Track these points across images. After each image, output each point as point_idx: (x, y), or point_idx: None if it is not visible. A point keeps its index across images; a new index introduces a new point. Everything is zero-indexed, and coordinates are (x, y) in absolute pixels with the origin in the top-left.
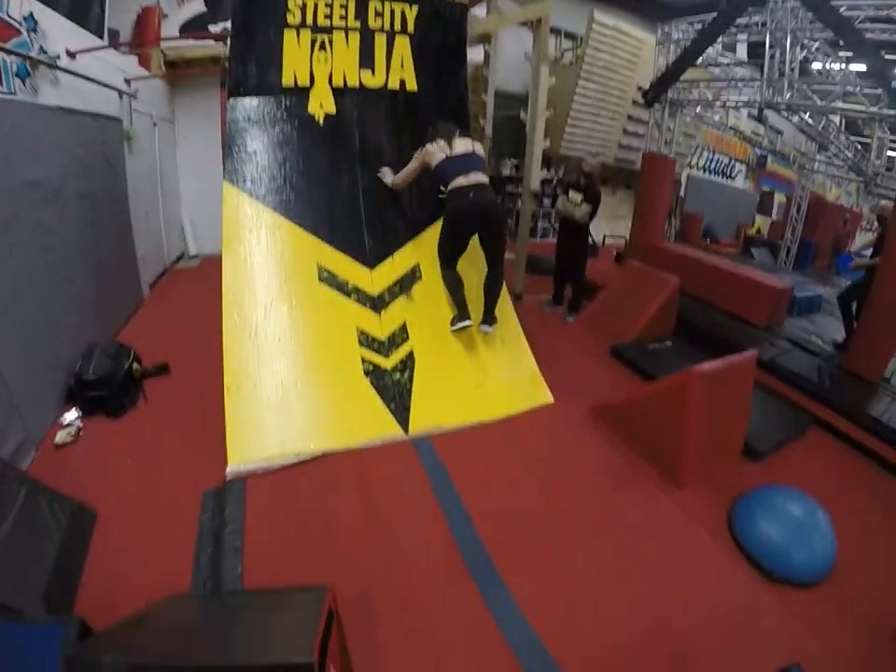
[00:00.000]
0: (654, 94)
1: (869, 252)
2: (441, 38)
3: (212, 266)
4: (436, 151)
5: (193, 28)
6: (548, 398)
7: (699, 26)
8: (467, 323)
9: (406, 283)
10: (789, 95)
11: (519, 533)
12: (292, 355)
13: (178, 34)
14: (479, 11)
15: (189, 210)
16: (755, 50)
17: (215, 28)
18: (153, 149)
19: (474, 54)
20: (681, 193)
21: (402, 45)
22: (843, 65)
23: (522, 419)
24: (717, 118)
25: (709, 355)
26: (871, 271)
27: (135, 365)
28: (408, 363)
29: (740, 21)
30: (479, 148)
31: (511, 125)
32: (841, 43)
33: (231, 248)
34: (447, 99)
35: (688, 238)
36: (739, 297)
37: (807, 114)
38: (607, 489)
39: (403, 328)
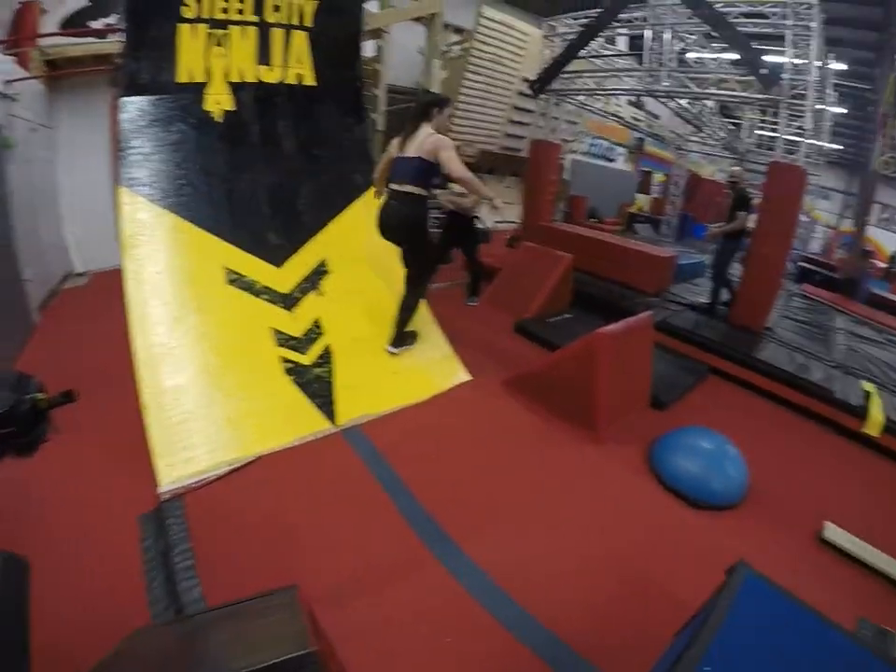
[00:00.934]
0: (541, 85)
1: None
2: (339, 32)
3: (105, 282)
4: (391, 148)
5: (76, 24)
6: (465, 375)
7: (584, 20)
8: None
9: (315, 279)
10: (667, 83)
11: (462, 500)
12: (208, 362)
13: (59, 30)
14: (370, 6)
15: (74, 223)
16: (635, 42)
17: (99, 23)
18: (34, 158)
19: (366, 49)
20: (566, 177)
21: (300, 39)
22: (717, 55)
23: (443, 398)
24: (599, 105)
25: (608, 322)
26: (729, 236)
27: (40, 395)
28: (326, 357)
29: (622, 15)
30: (428, 148)
31: (404, 120)
32: (714, 34)
33: (132, 257)
34: (345, 93)
35: (575, 219)
36: (629, 268)
37: (685, 100)
38: (534, 449)
39: (317, 323)
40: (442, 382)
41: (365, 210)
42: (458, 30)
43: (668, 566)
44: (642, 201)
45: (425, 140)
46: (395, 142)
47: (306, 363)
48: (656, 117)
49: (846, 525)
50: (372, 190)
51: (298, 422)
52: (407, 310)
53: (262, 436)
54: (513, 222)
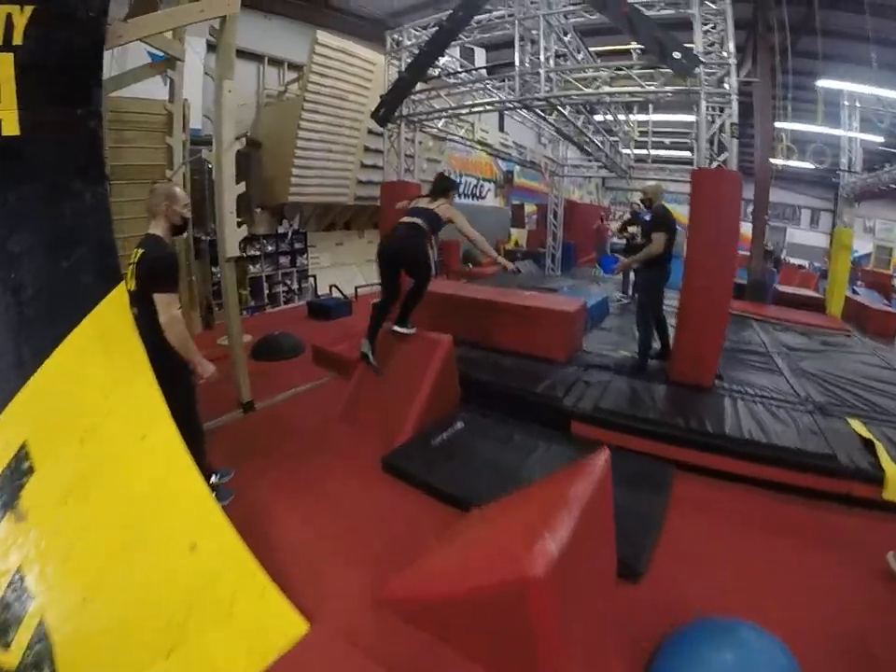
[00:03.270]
0: (387, 110)
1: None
2: (66, 51)
3: None
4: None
5: None
6: (299, 626)
7: (434, 29)
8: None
9: (8, 486)
10: (547, 88)
11: None
12: None
13: None
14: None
15: None
16: (496, 54)
17: None
18: None
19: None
20: None
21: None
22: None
23: None
24: (462, 132)
25: (511, 416)
26: (648, 264)
27: None
28: (42, 656)
29: (479, 17)
30: (443, 211)
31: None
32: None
33: None
34: (69, 143)
35: (449, 266)
36: (530, 333)
37: (567, 109)
38: None
39: (20, 577)
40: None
41: (106, 330)
42: (296, 67)
43: None
44: (518, 235)
45: (441, 205)
46: (403, 203)
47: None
48: (521, 147)
49: None
50: (121, 293)
51: None
52: (417, 297)
53: None
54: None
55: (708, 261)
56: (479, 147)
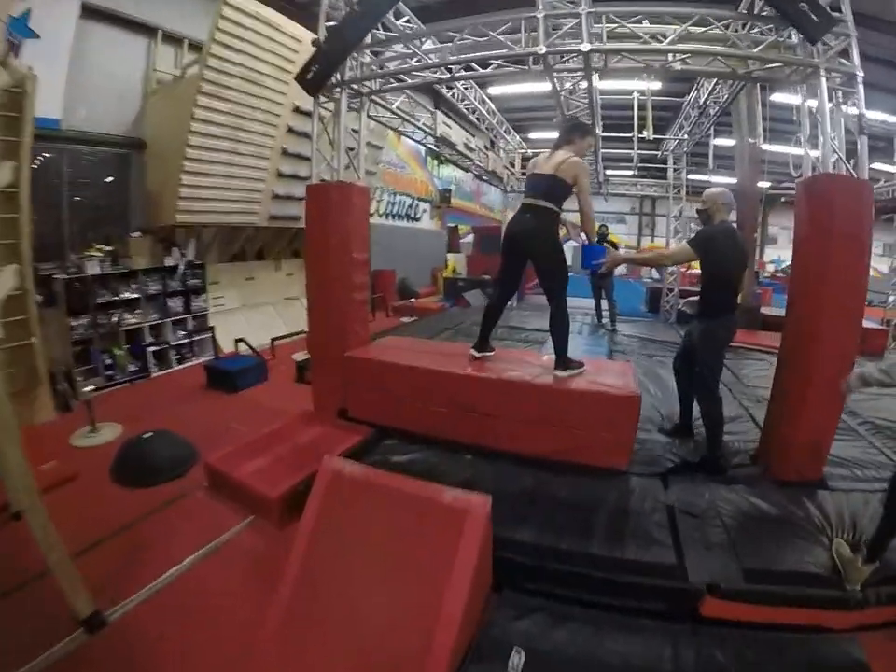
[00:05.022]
0: (321, 72)
1: None
2: None
3: None
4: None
5: None
6: None
7: None
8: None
9: None
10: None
11: None
12: None
13: None
14: None
15: None
16: None
17: None
18: None
19: None
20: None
21: None
22: None
23: None
24: (422, 121)
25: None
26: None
27: None
28: None
29: None
30: (566, 168)
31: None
32: None
33: None
34: None
35: (385, 301)
36: (567, 431)
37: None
38: None
39: None
40: None
41: None
42: (198, 46)
43: None
44: (455, 261)
45: (564, 160)
46: (533, 160)
47: None
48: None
49: None
50: None
51: None
52: (561, 328)
53: None
54: (301, 334)
55: (841, 304)
56: (443, 147)
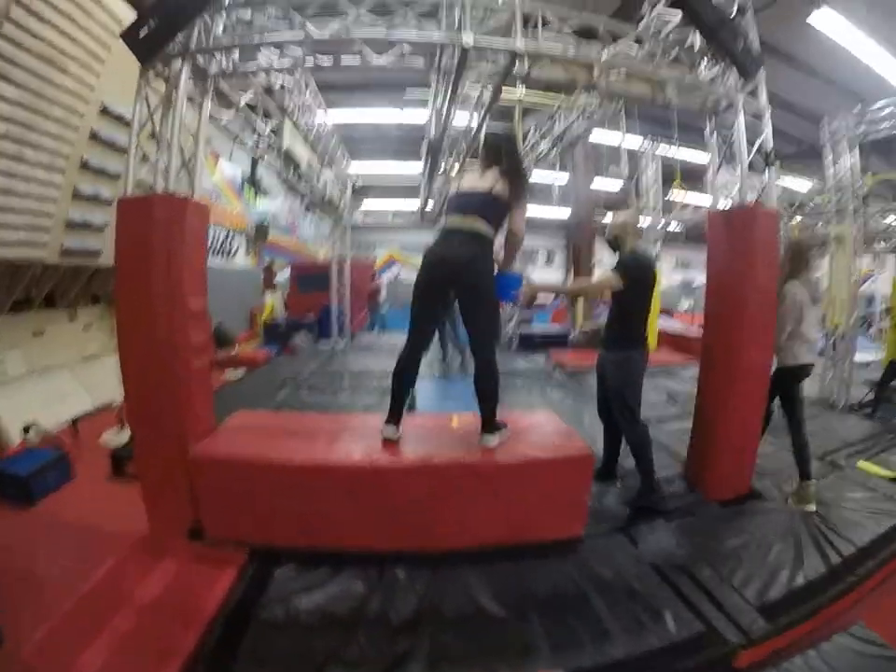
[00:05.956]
0: (160, 30)
1: None
2: None
3: None
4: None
5: None
6: None
7: None
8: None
9: None
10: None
11: None
12: None
13: None
14: None
15: None
16: None
17: None
18: None
19: None
20: None
21: None
22: None
23: None
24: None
25: None
26: (622, 338)
27: None
28: None
29: None
30: (497, 187)
31: None
32: None
33: None
34: None
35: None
36: (510, 507)
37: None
38: None
39: None
40: None
41: None
42: None
43: None
44: (272, 300)
45: (500, 181)
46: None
47: None
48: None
49: None
50: None
51: None
52: (491, 385)
53: None
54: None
55: (759, 324)
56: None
